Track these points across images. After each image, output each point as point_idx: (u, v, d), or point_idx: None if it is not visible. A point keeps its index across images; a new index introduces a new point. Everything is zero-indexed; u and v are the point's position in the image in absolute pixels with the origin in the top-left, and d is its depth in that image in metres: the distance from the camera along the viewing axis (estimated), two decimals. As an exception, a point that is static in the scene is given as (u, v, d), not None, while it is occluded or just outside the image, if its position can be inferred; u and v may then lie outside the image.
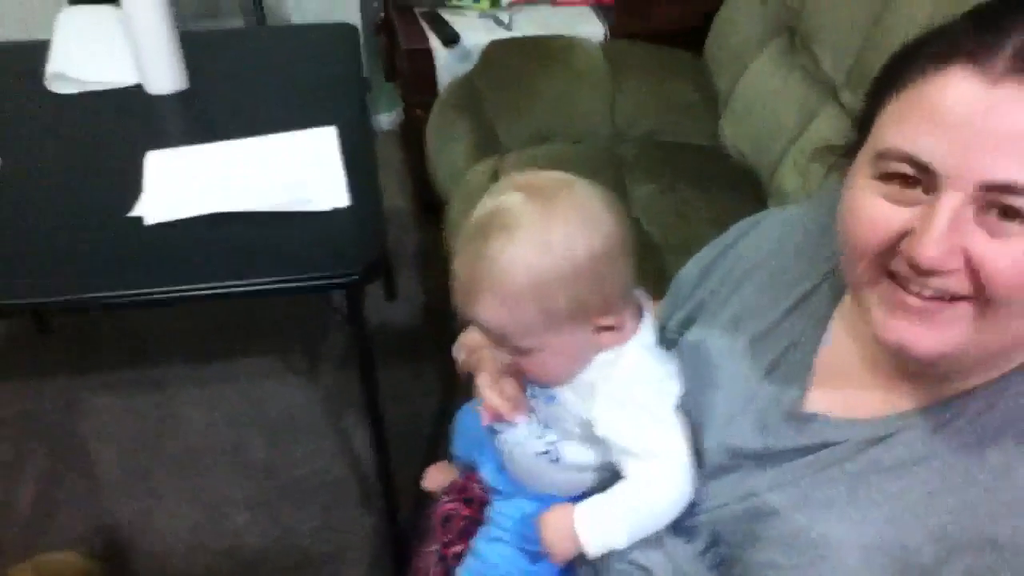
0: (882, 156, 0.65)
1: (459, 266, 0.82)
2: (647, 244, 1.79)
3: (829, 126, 1.78)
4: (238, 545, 1.88)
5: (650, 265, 1.70)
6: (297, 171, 1.51)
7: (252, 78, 1.85)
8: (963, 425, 0.68)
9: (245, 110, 1.73)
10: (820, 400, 0.77)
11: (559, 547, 0.85)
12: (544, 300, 0.79)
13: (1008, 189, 0.59)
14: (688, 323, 0.94)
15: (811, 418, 0.76)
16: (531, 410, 0.91)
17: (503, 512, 0.99)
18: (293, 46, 2.04)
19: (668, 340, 0.93)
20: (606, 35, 2.44)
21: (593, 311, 0.81)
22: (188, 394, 2.20)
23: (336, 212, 1.42)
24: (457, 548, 1.05)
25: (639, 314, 0.87)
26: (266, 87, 1.81)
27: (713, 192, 1.92)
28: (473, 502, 1.08)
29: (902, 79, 0.65)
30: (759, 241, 0.92)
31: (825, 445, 0.74)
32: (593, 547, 0.83)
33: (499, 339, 0.84)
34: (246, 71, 1.88)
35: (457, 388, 1.70)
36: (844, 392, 0.76)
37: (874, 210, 0.65)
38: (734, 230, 0.97)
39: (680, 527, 0.84)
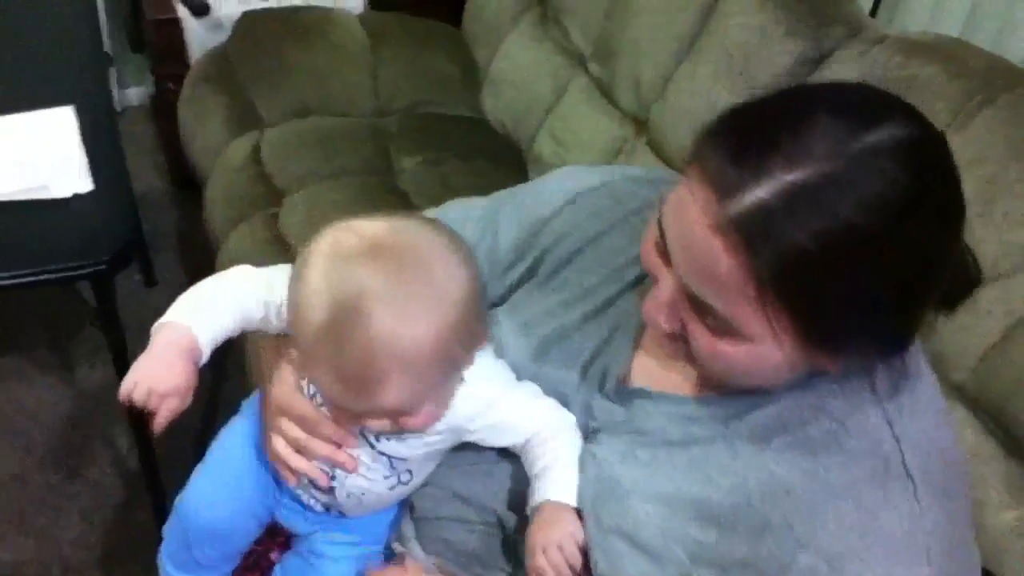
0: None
1: (337, 364, 0.73)
2: (414, 217, 1.80)
3: (580, 95, 1.87)
4: (-11, 563, 1.73)
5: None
6: (31, 156, 1.40)
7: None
8: (746, 419, 0.77)
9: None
10: (641, 374, 0.84)
11: (573, 537, 0.80)
12: (447, 353, 0.74)
13: (704, 304, 0.68)
14: (514, 287, 0.95)
15: (634, 393, 0.83)
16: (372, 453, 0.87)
17: (325, 540, 0.96)
18: (24, 19, 1.85)
19: (508, 286, 0.94)
20: (365, 6, 2.40)
21: (479, 341, 0.79)
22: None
23: (77, 198, 1.32)
24: None
25: None
26: (-9, 63, 1.65)
27: (477, 162, 1.96)
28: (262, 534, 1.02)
29: (694, 154, 0.69)
30: (576, 222, 0.91)
31: (645, 420, 0.81)
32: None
33: (393, 415, 0.77)
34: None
35: (225, 376, 1.64)
36: (661, 366, 0.83)
37: (648, 247, 0.74)
38: (547, 202, 0.94)
39: None
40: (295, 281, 0.75)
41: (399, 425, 0.79)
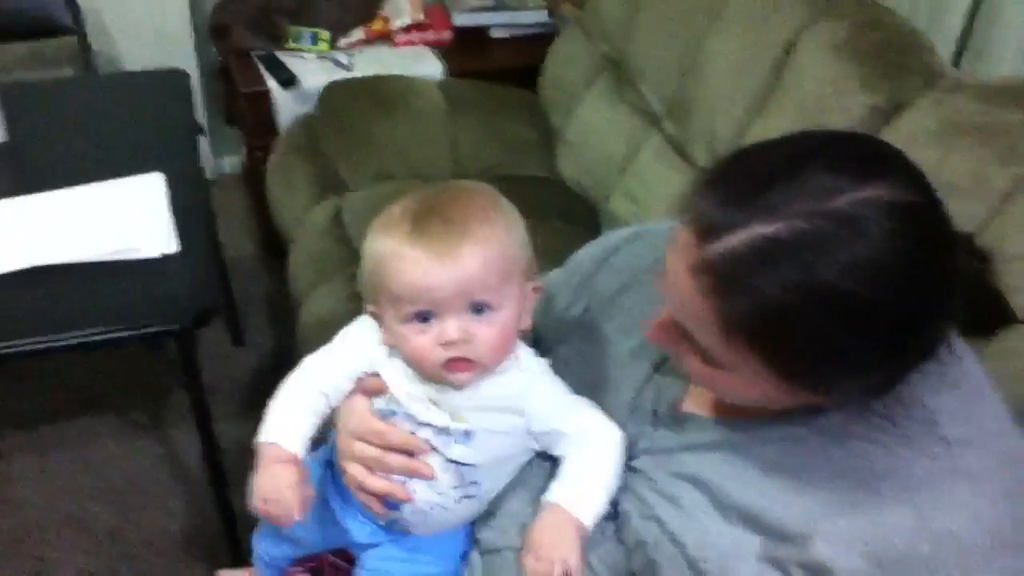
0: None
1: (423, 243, 0.81)
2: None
3: (654, 154, 1.87)
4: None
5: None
6: (121, 219, 1.47)
7: (77, 128, 1.79)
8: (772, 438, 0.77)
9: (68, 161, 1.67)
10: (693, 400, 0.85)
11: (567, 548, 0.84)
12: (515, 248, 0.85)
13: (689, 333, 0.71)
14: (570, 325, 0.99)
15: (687, 418, 0.84)
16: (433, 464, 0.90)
17: (381, 556, 0.97)
18: (121, 94, 1.99)
19: (567, 322, 0.99)
20: (444, 74, 2.47)
21: (530, 266, 0.88)
22: (22, 464, 2.07)
23: (164, 259, 1.38)
24: None
25: None
26: (92, 137, 1.76)
27: (552, 222, 1.97)
28: (322, 571, 1.04)
29: (692, 193, 0.70)
30: (637, 254, 0.97)
31: (698, 445, 0.82)
32: (592, 521, 0.86)
33: (478, 290, 0.82)
34: (71, 121, 1.82)
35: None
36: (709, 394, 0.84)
37: (660, 272, 0.77)
38: (612, 239, 1.02)
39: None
40: (370, 245, 0.88)
41: (474, 332, 0.82)
